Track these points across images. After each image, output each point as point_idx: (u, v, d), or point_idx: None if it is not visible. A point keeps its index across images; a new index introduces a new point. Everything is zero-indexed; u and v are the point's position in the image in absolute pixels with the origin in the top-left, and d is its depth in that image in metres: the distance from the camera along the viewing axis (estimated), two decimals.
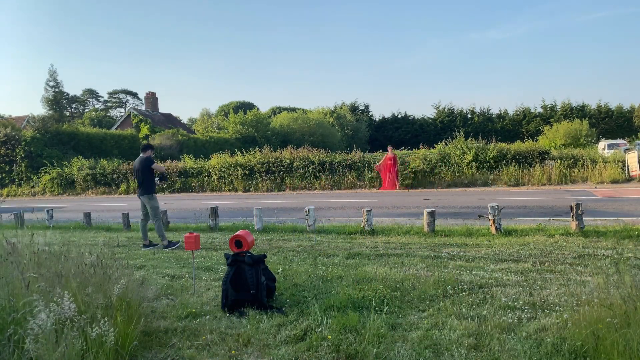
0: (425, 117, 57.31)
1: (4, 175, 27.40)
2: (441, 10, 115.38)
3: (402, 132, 55.28)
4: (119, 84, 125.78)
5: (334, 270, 5.64)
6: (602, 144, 29.00)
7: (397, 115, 58.51)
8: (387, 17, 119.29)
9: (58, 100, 38.88)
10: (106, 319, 2.96)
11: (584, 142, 33.65)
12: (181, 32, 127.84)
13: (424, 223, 8.22)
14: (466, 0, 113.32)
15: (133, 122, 38.78)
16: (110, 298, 3.50)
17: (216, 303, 4.58)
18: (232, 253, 4.64)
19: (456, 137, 21.19)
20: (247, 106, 50.73)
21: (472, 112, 55.26)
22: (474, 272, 5.31)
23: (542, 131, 40.87)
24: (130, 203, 18.48)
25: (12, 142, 27.27)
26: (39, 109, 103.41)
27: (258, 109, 50.67)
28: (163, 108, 62.80)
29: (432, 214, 8.18)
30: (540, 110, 52.01)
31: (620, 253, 5.95)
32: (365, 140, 51.09)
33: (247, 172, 22.33)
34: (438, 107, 56.66)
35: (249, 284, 4.35)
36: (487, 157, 19.50)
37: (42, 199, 24.03)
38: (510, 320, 3.71)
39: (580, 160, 18.87)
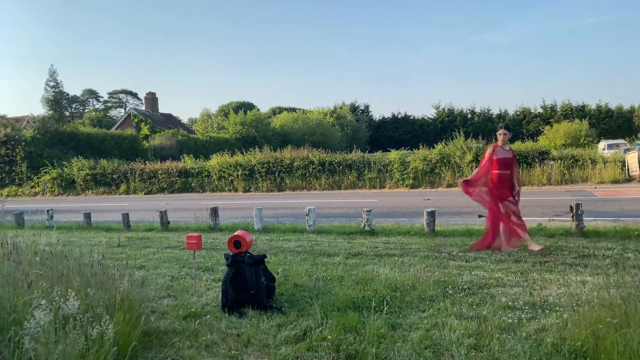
0: (425, 117, 57.35)
1: (4, 175, 27.41)
2: (442, 12, 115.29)
3: (402, 132, 55.28)
4: (119, 84, 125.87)
5: (334, 270, 5.64)
6: (602, 144, 29.00)
7: (397, 115, 58.55)
8: (388, 18, 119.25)
9: (58, 100, 38.91)
10: (107, 318, 2.96)
11: (584, 142, 33.66)
12: (181, 32, 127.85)
13: (424, 223, 8.22)
14: (467, 3, 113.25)
15: (133, 122, 38.82)
16: (111, 298, 3.50)
17: (216, 303, 4.58)
18: (231, 253, 4.64)
19: (456, 137, 21.19)
20: (247, 106, 50.72)
21: (472, 112, 55.28)
22: (474, 272, 5.31)
23: (542, 131, 40.89)
24: (130, 203, 18.48)
25: (12, 142, 27.28)
26: (39, 109, 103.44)
27: (258, 109, 50.67)
28: (163, 108, 62.75)
29: (432, 214, 8.18)
30: (540, 110, 52.01)
31: (621, 253, 5.95)
32: (365, 141, 51.09)
33: (247, 172, 22.34)
34: (438, 107, 56.71)
35: (248, 284, 4.35)
36: None
37: (43, 199, 24.04)
38: (510, 320, 3.72)
39: (580, 161, 18.88)
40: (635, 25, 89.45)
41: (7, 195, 25.64)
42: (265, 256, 4.73)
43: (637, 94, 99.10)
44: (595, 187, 16.60)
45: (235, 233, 4.74)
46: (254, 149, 23.85)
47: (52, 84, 37.97)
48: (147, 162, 26.06)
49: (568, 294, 4.30)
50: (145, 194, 23.52)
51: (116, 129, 39.34)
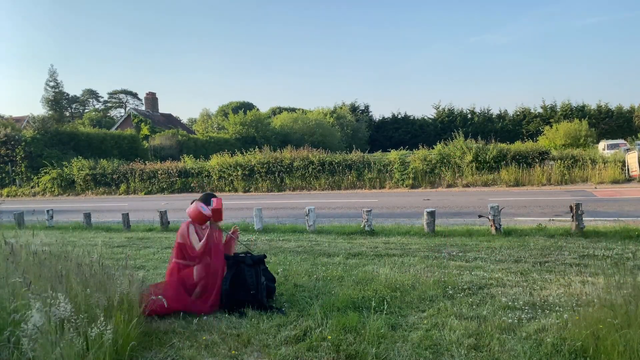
0: (425, 118, 57.30)
1: (4, 175, 27.40)
2: (442, 12, 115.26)
3: (402, 132, 55.24)
4: (119, 84, 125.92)
5: (334, 270, 5.63)
6: (602, 144, 29.00)
7: (397, 115, 58.51)
8: (388, 18, 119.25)
9: (58, 100, 38.96)
10: (106, 319, 2.95)
11: (584, 142, 33.64)
12: (181, 32, 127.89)
13: (424, 223, 8.22)
14: (467, 3, 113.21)
15: (133, 122, 38.81)
16: (111, 298, 3.49)
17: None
18: (232, 254, 4.65)
19: (456, 137, 21.20)
20: (247, 106, 50.71)
21: (472, 112, 55.24)
22: (474, 272, 5.31)
23: (542, 131, 40.86)
24: (130, 203, 18.48)
25: (12, 143, 27.27)
26: (39, 109, 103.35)
27: (258, 109, 50.65)
28: (163, 108, 62.82)
29: (432, 214, 8.18)
30: (540, 110, 51.99)
31: (621, 253, 5.94)
32: (365, 141, 51.06)
33: (247, 172, 22.34)
34: (438, 108, 56.66)
35: (248, 284, 4.35)
36: (487, 157, 19.50)
37: (42, 199, 24.03)
38: (510, 320, 3.71)
39: (580, 161, 18.88)
40: (635, 25, 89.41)
41: (7, 195, 25.64)
42: (265, 256, 4.73)
43: (637, 94, 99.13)
44: (595, 187, 16.60)
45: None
46: (254, 149, 23.85)
47: (52, 84, 38.04)
48: (147, 162, 26.06)
49: (568, 294, 4.30)
50: (145, 194, 23.51)
51: (116, 129, 39.33)
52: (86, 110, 68.30)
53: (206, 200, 4.73)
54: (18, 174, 26.97)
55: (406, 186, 19.97)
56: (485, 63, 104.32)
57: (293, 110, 51.12)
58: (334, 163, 21.36)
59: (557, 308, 3.95)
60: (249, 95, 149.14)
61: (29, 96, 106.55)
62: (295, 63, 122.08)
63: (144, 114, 41.03)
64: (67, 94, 57.02)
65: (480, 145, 20.21)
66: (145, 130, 37.07)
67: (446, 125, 52.57)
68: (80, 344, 2.76)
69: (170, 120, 45.06)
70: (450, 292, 4.56)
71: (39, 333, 2.59)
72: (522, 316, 3.81)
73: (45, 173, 25.79)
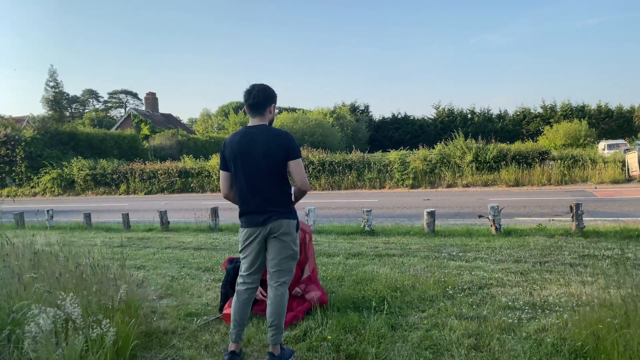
0: (425, 118, 57.24)
1: (4, 175, 27.40)
2: (442, 12, 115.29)
3: (402, 132, 55.19)
4: (119, 84, 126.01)
5: (334, 270, 5.63)
6: (602, 144, 29.00)
7: (397, 115, 58.44)
8: (388, 18, 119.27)
9: (58, 100, 38.98)
10: (107, 319, 2.95)
11: (584, 142, 33.66)
12: (182, 32, 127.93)
13: (424, 223, 8.22)
14: (467, 3, 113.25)
15: (133, 122, 38.84)
16: (111, 298, 3.49)
17: (216, 304, 4.57)
18: (233, 257, 4.64)
19: (456, 137, 21.20)
20: None
21: (472, 112, 55.19)
22: (474, 272, 5.31)
23: (542, 131, 40.90)
24: (130, 203, 18.48)
25: (12, 143, 27.27)
26: (39, 109, 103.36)
27: None
28: (163, 108, 62.80)
29: (432, 214, 8.18)
30: (540, 110, 51.93)
31: (621, 253, 5.94)
32: (365, 141, 51.01)
33: None
34: (438, 108, 56.58)
35: None
36: (487, 157, 19.51)
37: (42, 199, 24.04)
38: (510, 320, 3.71)
39: (580, 161, 18.89)
40: (635, 25, 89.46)
41: (7, 196, 25.64)
42: None
43: (637, 94, 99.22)
44: (595, 187, 16.60)
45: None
46: None
47: (52, 84, 38.06)
48: (147, 162, 26.08)
49: (568, 294, 4.30)
50: (145, 194, 23.52)
51: (116, 129, 39.34)
52: (86, 110, 68.31)
53: None
54: (17, 174, 26.97)
55: (406, 186, 19.97)
56: (485, 63, 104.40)
57: (293, 110, 51.07)
58: (334, 163, 21.37)
59: (557, 308, 3.95)
60: None
61: (29, 96, 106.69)
62: (295, 63, 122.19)
63: (144, 114, 41.05)
64: (67, 94, 57.04)
65: (480, 145, 20.22)
66: (145, 130, 37.10)
67: (446, 125, 52.48)
68: (82, 345, 2.76)
69: (170, 120, 45.08)
70: (450, 292, 4.56)
71: (42, 333, 2.59)
72: (522, 316, 3.81)
73: (45, 173, 25.80)
